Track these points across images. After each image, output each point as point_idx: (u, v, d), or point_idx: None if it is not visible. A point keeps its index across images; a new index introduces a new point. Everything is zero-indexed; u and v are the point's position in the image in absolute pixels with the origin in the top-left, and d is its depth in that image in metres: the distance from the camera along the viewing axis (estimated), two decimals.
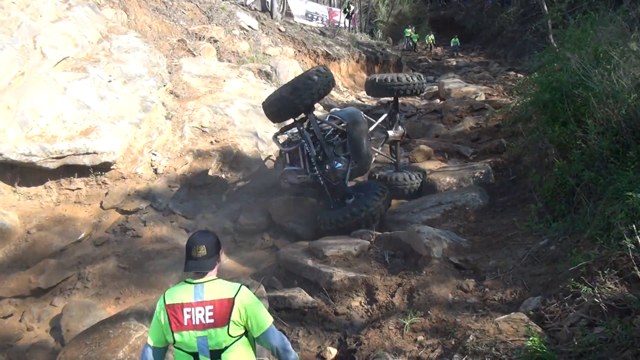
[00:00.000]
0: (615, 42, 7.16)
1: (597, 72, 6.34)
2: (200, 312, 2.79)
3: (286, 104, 7.54)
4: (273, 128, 10.86)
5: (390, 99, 10.33)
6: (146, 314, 5.17)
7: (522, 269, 5.26)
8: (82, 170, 8.09)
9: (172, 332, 2.81)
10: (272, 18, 20.12)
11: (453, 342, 4.19)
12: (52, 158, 7.72)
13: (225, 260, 7.28)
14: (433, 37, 32.58)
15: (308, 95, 7.40)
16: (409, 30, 33.47)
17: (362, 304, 5.35)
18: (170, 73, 11.35)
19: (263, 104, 8.18)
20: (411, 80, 9.59)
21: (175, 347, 2.86)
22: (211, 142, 9.55)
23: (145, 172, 8.58)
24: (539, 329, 3.95)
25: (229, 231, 7.96)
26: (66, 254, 7.08)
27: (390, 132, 9.80)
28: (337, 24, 25.44)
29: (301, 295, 5.41)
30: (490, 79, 21.60)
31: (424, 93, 17.57)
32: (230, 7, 17.87)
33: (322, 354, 4.84)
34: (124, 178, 8.34)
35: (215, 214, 8.23)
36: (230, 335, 2.81)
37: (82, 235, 7.45)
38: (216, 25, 16.02)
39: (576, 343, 3.53)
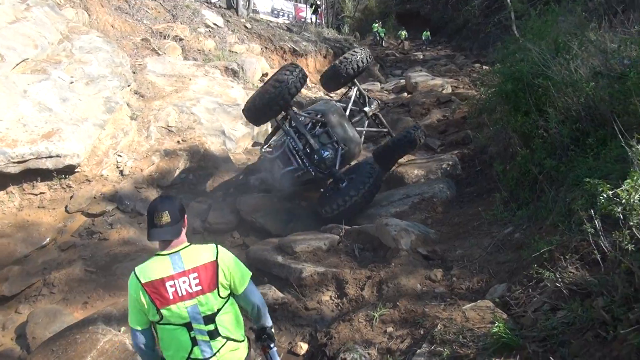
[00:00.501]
0: (574, 33, 7.31)
1: (556, 62, 6.46)
2: (184, 282, 2.69)
3: (264, 105, 7.78)
4: (240, 126, 10.82)
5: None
6: (114, 317, 5.10)
7: (488, 257, 5.33)
8: (45, 174, 7.91)
9: (158, 310, 2.69)
10: (237, 15, 19.97)
11: (422, 332, 4.23)
12: (14, 162, 7.53)
13: None
14: (405, 33, 32.72)
15: (285, 92, 7.64)
16: (376, 25, 33.59)
17: (332, 298, 5.36)
18: (134, 73, 11.18)
19: (243, 110, 8.41)
20: (355, 53, 10.10)
21: (161, 324, 2.76)
22: (178, 142, 9.44)
23: (111, 174, 8.44)
24: (505, 315, 4.00)
25: (198, 230, 7.89)
26: (30, 260, 6.94)
27: (367, 108, 10.36)
28: (303, 19, 25.36)
29: (271, 292, 5.40)
30: (456, 71, 21.90)
31: (392, 87, 17.77)
32: (195, 4, 17.68)
33: (294, 350, 4.85)
34: (89, 181, 8.19)
35: None
36: (220, 297, 2.78)
37: (47, 240, 7.30)
38: (181, 23, 15.84)
39: (540, 327, 3.59)
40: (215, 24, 17.36)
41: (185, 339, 2.76)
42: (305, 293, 5.45)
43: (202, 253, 2.78)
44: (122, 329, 4.89)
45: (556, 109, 6.13)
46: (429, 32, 32.02)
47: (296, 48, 20.28)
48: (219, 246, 2.85)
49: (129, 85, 10.39)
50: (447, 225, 6.75)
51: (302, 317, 5.14)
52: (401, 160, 10.31)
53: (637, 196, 3.28)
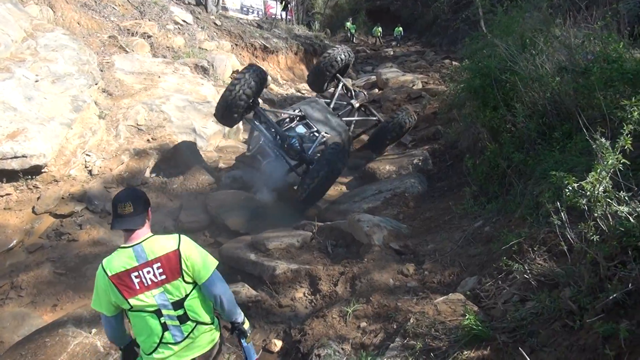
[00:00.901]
0: (540, 29, 7.43)
1: (523, 58, 6.57)
2: (149, 272, 2.77)
3: (226, 110, 8.28)
4: (211, 124, 10.73)
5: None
6: (85, 320, 5.01)
7: (459, 250, 5.40)
8: (10, 175, 7.70)
9: (126, 300, 2.76)
10: (207, 12, 19.71)
11: (395, 326, 4.26)
12: None
13: None
14: (380, 30, 32.78)
15: (237, 97, 8.11)
16: (348, 23, 33.62)
17: (306, 294, 5.37)
18: (102, 71, 10.97)
19: (214, 114, 8.85)
20: (336, 49, 10.81)
21: (132, 311, 2.83)
22: (148, 140, 9.30)
23: (79, 174, 8.27)
24: (475, 308, 4.07)
25: (170, 230, 7.79)
26: None
27: (353, 101, 11.12)
28: (273, 16, 25.19)
29: (244, 290, 5.37)
30: (426, 67, 22.09)
31: (363, 83, 17.92)
32: (164, 1, 17.39)
33: (268, 347, 4.84)
34: (56, 181, 8.00)
35: (155, 213, 7.99)
36: (186, 283, 2.84)
37: (14, 242, 7.11)
38: (149, 20, 15.58)
39: (509, 318, 3.66)
40: (184, 21, 17.13)
41: (155, 324, 2.83)
42: (278, 290, 5.44)
43: (164, 243, 2.83)
44: (93, 330, 4.81)
45: (523, 103, 6.24)
46: (401, 28, 32.16)
47: (267, 45, 20.16)
48: (182, 236, 2.90)
49: (96, 84, 10.19)
50: (419, 220, 6.82)
51: (276, 315, 5.13)
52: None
53: (601, 188, 3.35)
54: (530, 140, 5.90)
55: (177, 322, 2.86)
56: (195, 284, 2.89)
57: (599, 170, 3.33)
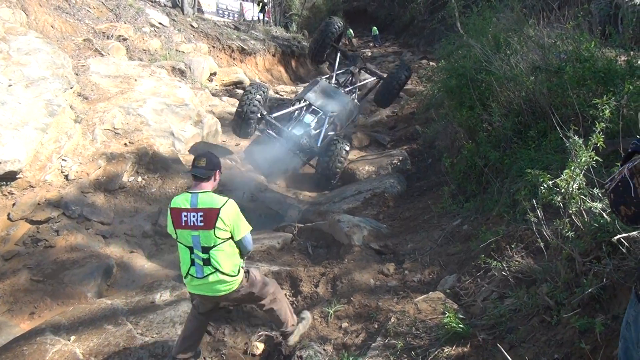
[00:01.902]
0: (514, 29, 7.54)
1: (497, 58, 6.66)
2: (193, 216, 3.63)
3: (245, 122, 10.00)
4: (189, 126, 10.66)
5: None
6: (63, 327, 4.91)
7: (439, 249, 5.45)
8: None
9: (175, 229, 3.72)
10: (183, 14, 19.52)
11: (376, 326, 4.29)
12: None
13: (146, 264, 7.07)
14: (352, 32, 32.78)
15: (253, 109, 9.87)
16: None
17: (287, 296, 5.34)
18: (77, 74, 10.79)
19: (233, 131, 10.67)
20: (332, 20, 12.37)
21: (177, 241, 3.77)
22: (125, 144, 9.17)
23: (55, 179, 8.12)
24: (455, 306, 4.12)
25: (149, 234, 7.71)
26: None
27: (352, 67, 12.44)
28: (251, 18, 25.07)
29: None
30: None
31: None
32: (139, 3, 17.19)
33: (250, 350, 4.81)
34: (32, 187, 7.85)
35: (134, 217, 7.94)
36: (216, 236, 3.63)
37: None
38: (125, 23, 15.38)
39: (488, 315, 3.71)
40: (160, 23, 16.96)
41: (187, 257, 3.74)
42: None
43: (213, 200, 3.66)
44: (72, 337, 4.72)
45: (499, 103, 6.32)
46: (376, 28, 32.27)
47: (244, 47, 20.06)
48: (229, 201, 3.72)
49: (71, 87, 10.02)
50: (399, 220, 6.87)
51: (258, 317, 5.09)
52: (351, 157, 10.45)
53: (575, 185, 3.42)
54: (507, 139, 5.98)
55: (201, 263, 3.69)
56: (223, 240, 3.67)
57: (572, 167, 3.39)
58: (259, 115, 9.79)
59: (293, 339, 4.33)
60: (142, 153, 9.02)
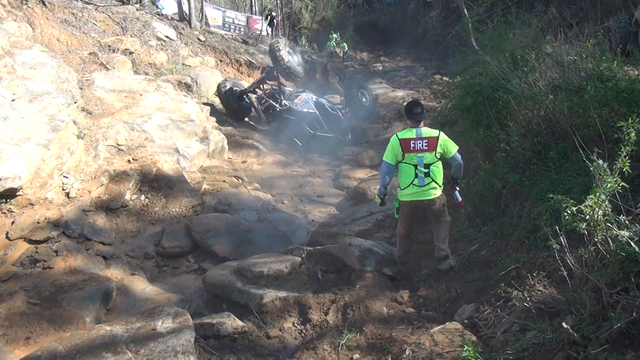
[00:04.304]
0: (531, 46, 7.36)
1: (515, 75, 6.47)
2: (419, 142, 5.16)
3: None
4: (195, 143, 10.50)
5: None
6: (60, 354, 4.65)
7: (455, 276, 5.22)
8: None
9: (404, 153, 5.19)
10: (190, 27, 19.42)
11: (389, 358, 4.04)
12: None
13: (147, 287, 6.85)
14: (345, 45, 32.15)
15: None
16: (333, 37, 33.11)
17: (295, 324, 5.09)
18: (81, 89, 10.66)
19: None
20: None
21: (402, 162, 5.27)
22: (128, 161, 8.98)
23: (56, 197, 7.91)
24: (474, 338, 3.90)
25: (151, 255, 7.48)
26: None
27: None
28: (259, 32, 24.97)
29: (230, 321, 5.07)
30: (416, 83, 21.77)
31: None
32: (146, 17, 17.18)
33: None
34: (32, 205, 7.64)
35: (136, 238, 7.72)
36: (435, 157, 5.19)
37: None
38: (131, 36, 15.34)
39: (510, 350, 3.48)
40: (167, 37, 16.91)
41: (412, 172, 5.21)
42: (266, 320, 5.15)
43: (432, 131, 5.27)
44: None
45: (517, 122, 6.14)
46: (345, 44, 31.31)
47: (252, 61, 19.92)
48: (441, 132, 5.30)
49: (75, 102, 9.88)
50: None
51: (264, 347, 4.85)
52: (362, 176, 10.22)
53: (600, 212, 3.24)
54: (525, 160, 5.78)
55: (423, 175, 5.16)
56: (438, 159, 5.20)
57: (597, 193, 3.21)
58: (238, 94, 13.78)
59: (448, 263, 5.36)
60: (146, 170, 8.83)
